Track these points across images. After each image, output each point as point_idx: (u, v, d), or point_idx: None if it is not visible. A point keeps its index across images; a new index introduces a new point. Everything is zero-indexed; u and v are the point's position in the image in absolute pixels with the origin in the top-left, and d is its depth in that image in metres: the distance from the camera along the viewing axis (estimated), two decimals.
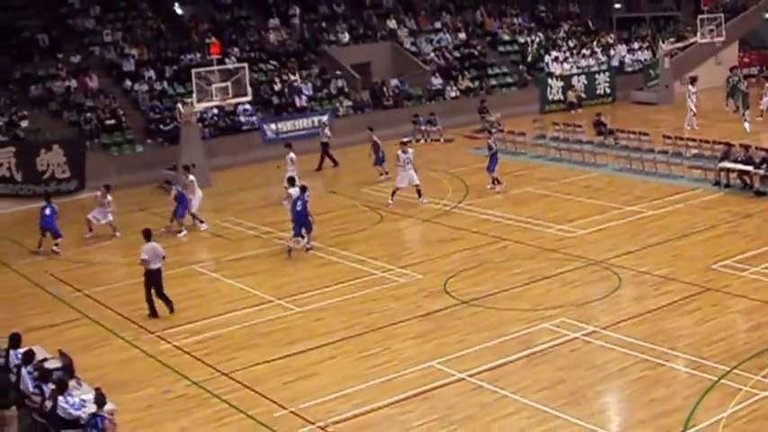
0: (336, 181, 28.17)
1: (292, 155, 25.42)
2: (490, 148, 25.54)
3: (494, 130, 29.14)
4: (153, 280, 17.12)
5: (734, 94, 35.66)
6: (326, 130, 30.45)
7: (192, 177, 23.43)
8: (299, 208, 20.44)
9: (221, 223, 23.96)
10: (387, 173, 27.31)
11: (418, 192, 24.38)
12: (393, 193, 24.52)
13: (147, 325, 16.83)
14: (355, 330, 15.98)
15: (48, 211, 21.96)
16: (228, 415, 13.10)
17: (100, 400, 11.28)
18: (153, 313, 17.19)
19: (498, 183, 25.46)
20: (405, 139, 26.16)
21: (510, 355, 14.46)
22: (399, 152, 24.41)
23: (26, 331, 15.05)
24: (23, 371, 12.91)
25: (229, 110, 32.55)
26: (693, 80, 34.63)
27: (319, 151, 29.96)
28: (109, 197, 22.96)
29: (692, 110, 33.04)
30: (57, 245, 21.84)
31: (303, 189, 21.04)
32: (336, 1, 41.16)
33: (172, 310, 17.36)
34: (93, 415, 11.18)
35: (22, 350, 13.38)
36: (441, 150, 32.67)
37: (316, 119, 33.12)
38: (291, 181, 22.28)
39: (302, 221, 20.56)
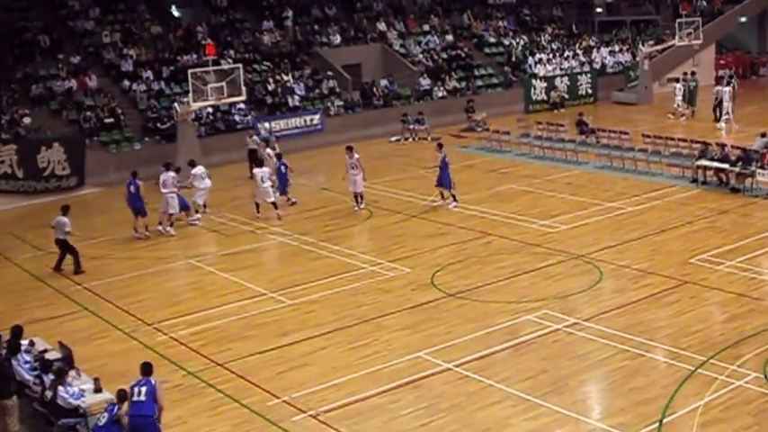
0: (328, 178, 28.41)
1: (269, 150, 26.89)
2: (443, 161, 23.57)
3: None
4: (61, 246, 19.94)
5: (691, 98, 36.36)
6: (255, 137, 30.26)
7: (193, 171, 23.93)
8: (283, 170, 24.58)
9: (216, 218, 24.12)
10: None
11: (359, 197, 24.00)
12: (355, 197, 24.12)
13: (144, 317, 16.99)
14: (345, 322, 16.10)
15: (132, 189, 22.52)
16: (223, 404, 13.19)
17: (122, 396, 11.60)
18: (56, 268, 20.04)
19: (453, 198, 23.84)
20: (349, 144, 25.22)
21: (495, 346, 14.61)
22: (346, 156, 23.92)
23: (27, 323, 15.27)
24: (13, 361, 13.08)
25: (224, 109, 32.91)
26: (729, 82, 35.34)
27: (312, 151, 30.24)
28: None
29: (728, 111, 33.58)
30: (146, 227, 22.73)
31: (279, 156, 25.29)
32: (328, 4, 41.45)
33: (76, 271, 19.70)
34: (113, 404, 11.51)
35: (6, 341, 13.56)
36: (428, 149, 32.66)
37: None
38: (260, 163, 24.95)
39: (285, 181, 24.64)
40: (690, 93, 36.35)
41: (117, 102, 32.59)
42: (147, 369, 11.92)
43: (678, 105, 36.26)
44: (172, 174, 22.87)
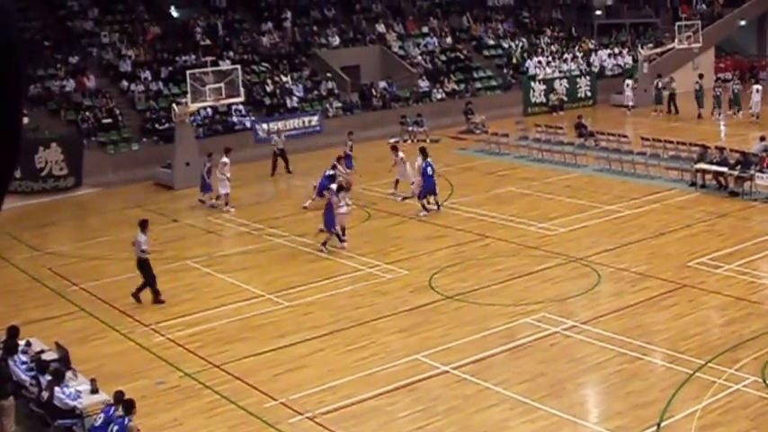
0: None
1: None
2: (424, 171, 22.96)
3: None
4: (139, 268, 17.88)
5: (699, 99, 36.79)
6: (282, 137, 30.33)
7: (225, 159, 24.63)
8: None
9: (214, 220, 24.19)
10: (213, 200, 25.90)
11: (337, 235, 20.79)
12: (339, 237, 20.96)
13: (141, 318, 16.99)
14: (342, 324, 16.09)
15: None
16: (220, 405, 13.19)
17: (119, 397, 11.56)
18: (135, 295, 17.82)
19: (423, 207, 23.17)
20: (337, 181, 22.66)
21: (492, 349, 14.63)
22: (333, 195, 20.83)
23: (24, 324, 15.24)
24: (10, 362, 13.10)
25: (223, 110, 32.93)
26: (757, 80, 35.89)
27: (310, 153, 30.22)
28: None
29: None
30: None
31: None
32: (327, 5, 41.51)
33: (155, 299, 17.77)
34: (110, 405, 11.48)
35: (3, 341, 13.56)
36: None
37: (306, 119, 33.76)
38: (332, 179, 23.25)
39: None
40: (698, 94, 36.63)
41: (115, 102, 32.63)
42: (128, 406, 11.31)
43: (630, 103, 38.08)
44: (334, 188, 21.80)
